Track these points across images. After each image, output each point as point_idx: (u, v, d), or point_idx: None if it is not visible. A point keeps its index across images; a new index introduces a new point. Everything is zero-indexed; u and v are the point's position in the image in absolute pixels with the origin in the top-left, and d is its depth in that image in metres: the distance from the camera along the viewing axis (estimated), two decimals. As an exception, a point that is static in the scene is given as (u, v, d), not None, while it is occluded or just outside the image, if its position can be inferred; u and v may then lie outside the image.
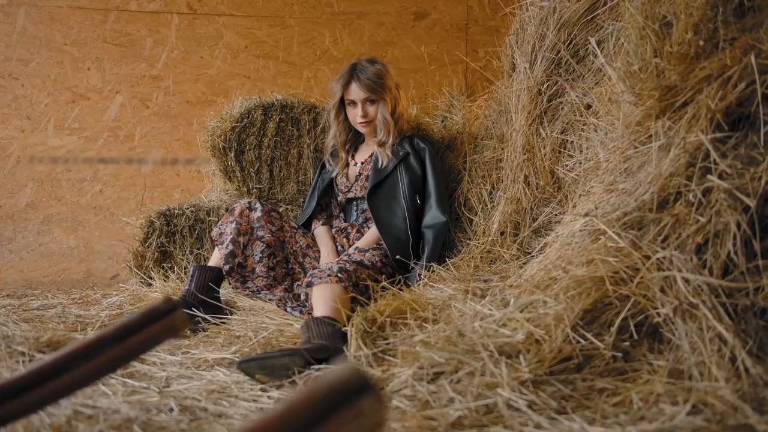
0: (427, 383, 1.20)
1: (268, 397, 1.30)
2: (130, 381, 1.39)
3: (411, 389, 1.19)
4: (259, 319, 1.91)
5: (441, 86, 3.23)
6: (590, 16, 2.12)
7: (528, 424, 1.03)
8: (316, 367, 1.41)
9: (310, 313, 1.88)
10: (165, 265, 2.52)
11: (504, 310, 1.44)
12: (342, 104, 2.35)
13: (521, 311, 1.43)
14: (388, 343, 1.45)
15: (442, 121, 2.93)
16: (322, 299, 1.75)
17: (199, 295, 1.98)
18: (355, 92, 2.28)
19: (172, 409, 1.19)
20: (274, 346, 1.68)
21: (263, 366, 1.36)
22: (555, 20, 2.18)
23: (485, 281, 1.97)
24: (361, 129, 2.35)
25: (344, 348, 1.50)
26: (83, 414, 1.08)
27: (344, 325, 1.62)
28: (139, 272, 2.50)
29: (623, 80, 1.77)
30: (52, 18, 3.12)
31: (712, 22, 1.57)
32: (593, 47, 1.92)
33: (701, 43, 1.54)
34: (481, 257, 2.16)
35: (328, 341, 1.49)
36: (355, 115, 2.31)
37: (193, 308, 1.94)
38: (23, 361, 1.44)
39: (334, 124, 2.39)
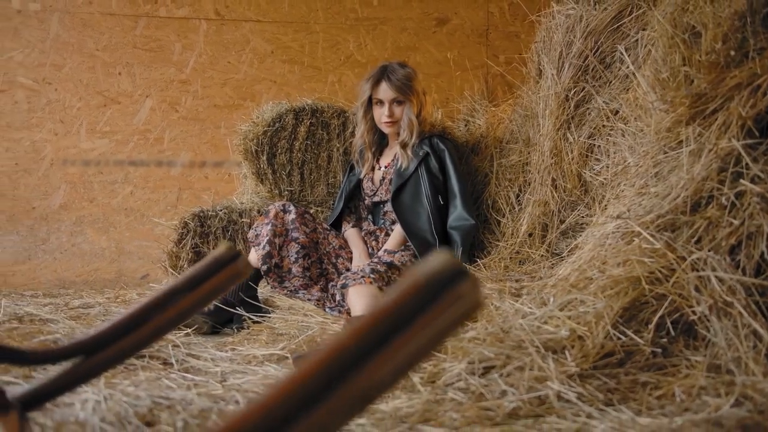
0: (478, 377, 1.26)
1: (323, 390, 1.37)
2: (189, 375, 1.46)
3: (464, 382, 1.25)
4: (299, 318, 1.98)
5: (462, 90, 3.30)
6: (616, 25, 2.18)
7: (580, 415, 1.10)
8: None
9: (348, 313, 1.95)
10: (199, 265, 2.59)
11: (544, 308, 1.51)
12: (370, 104, 2.42)
13: (561, 309, 1.50)
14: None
15: (466, 125, 3.00)
16: (360, 299, 1.83)
17: (241, 295, 2.05)
18: (384, 91, 2.35)
19: (237, 401, 1.26)
20: (320, 344, 1.75)
21: (317, 361, 1.42)
22: (582, 28, 2.24)
23: (516, 281, 2.04)
24: (385, 128, 2.42)
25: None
26: (161, 405, 1.15)
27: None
28: (174, 272, 2.57)
29: (653, 87, 1.83)
30: (84, 24, 3.20)
31: (740, 32, 1.64)
32: (623, 57, 1.98)
33: (732, 53, 1.60)
34: (510, 258, 2.23)
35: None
36: (381, 114, 2.38)
37: (235, 307, 2.01)
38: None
39: (361, 122, 2.46)
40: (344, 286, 1.88)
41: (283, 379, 0.44)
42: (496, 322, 1.51)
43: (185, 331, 1.91)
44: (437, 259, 0.50)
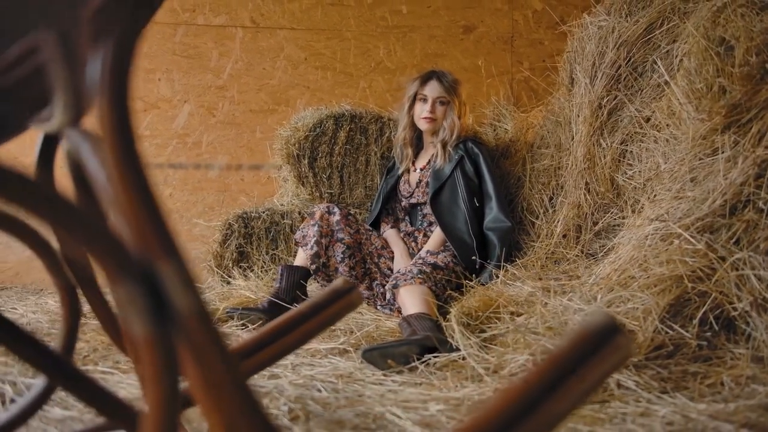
0: (540, 367, 1.38)
1: (392, 381, 1.48)
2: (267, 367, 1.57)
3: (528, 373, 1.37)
4: (352, 314, 2.10)
5: (488, 96, 3.42)
6: (648, 36, 2.29)
7: (640, 401, 1.21)
8: (429, 355, 1.59)
9: (400, 311, 2.06)
10: (242, 264, 2.71)
11: (593, 304, 1.62)
12: (414, 102, 2.53)
13: (608, 306, 1.61)
14: (490, 334, 1.63)
15: (494, 130, 3.11)
16: (413, 298, 1.93)
17: (299, 293, 2.17)
18: (431, 88, 2.47)
19: (319, 390, 1.37)
20: (375, 339, 1.86)
21: (385, 354, 1.54)
22: (614, 39, 2.35)
23: (554, 279, 2.15)
24: (423, 124, 2.52)
25: (447, 338, 1.68)
26: (259, 392, 1.27)
27: (437, 319, 1.81)
28: (219, 271, 2.69)
29: (688, 97, 1.94)
30: (125, 32, 3.31)
31: (773, 46, 1.75)
32: (658, 67, 2.09)
33: (767, 65, 1.71)
34: (546, 258, 2.34)
35: (432, 333, 1.68)
36: (422, 109, 2.50)
37: (286, 304, 2.13)
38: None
39: (405, 117, 2.57)
40: (395, 286, 1.99)
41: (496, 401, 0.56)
42: (548, 318, 1.63)
43: (247, 328, 2.03)
44: (599, 317, 0.62)
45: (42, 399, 0.86)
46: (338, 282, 1.10)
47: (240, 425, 0.46)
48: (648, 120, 2.24)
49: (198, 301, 0.47)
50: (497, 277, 2.18)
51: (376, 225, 2.62)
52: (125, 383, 1.39)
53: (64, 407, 1.21)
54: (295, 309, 1.07)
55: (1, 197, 0.42)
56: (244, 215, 2.73)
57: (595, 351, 0.60)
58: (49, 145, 0.92)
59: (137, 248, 0.47)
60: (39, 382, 0.86)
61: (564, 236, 2.39)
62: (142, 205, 0.46)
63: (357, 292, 1.09)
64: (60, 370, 0.74)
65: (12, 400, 1.24)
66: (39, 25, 0.49)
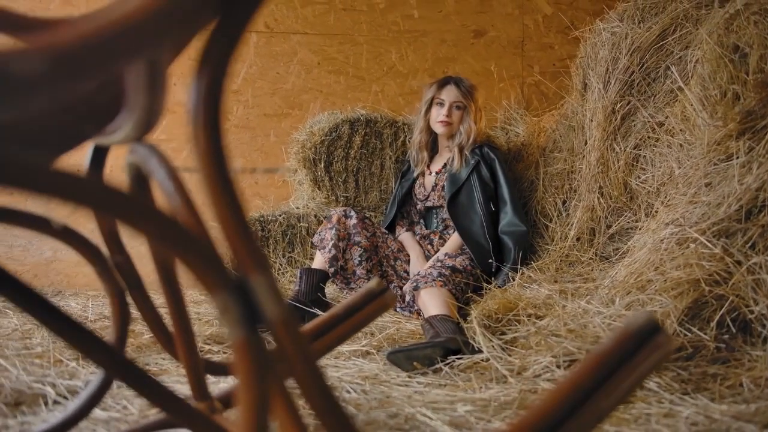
0: (563, 369, 1.42)
1: (417, 382, 1.52)
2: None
3: (551, 374, 1.41)
4: (371, 316, 2.14)
5: (500, 100, 3.46)
6: (660, 43, 2.33)
7: (663, 402, 1.25)
8: (453, 357, 1.63)
9: (419, 314, 2.10)
10: (259, 267, 2.75)
11: (611, 307, 1.66)
12: (430, 106, 2.57)
13: (626, 309, 1.65)
14: (511, 337, 1.67)
15: (506, 134, 3.15)
16: (434, 300, 1.97)
17: (320, 295, 2.21)
18: (448, 92, 2.52)
19: (348, 391, 1.41)
20: (396, 341, 1.90)
21: (410, 356, 1.58)
22: (627, 45, 2.39)
23: (570, 282, 2.19)
24: (439, 128, 2.56)
25: (469, 340, 1.72)
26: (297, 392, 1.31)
27: (458, 322, 1.85)
28: (237, 273, 2.73)
29: (702, 103, 1.98)
30: (141, 37, 3.35)
31: (786, 54, 1.79)
32: (673, 74, 2.13)
33: (781, 74, 1.75)
34: (561, 260, 2.38)
35: (455, 335, 1.72)
36: (438, 113, 2.54)
37: (306, 307, 2.17)
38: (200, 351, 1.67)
39: (421, 121, 2.61)
40: (416, 289, 2.03)
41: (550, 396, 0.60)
42: (567, 320, 1.67)
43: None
44: (640, 317, 0.66)
45: (101, 391, 0.90)
46: (372, 283, 1.13)
47: (325, 414, 0.51)
48: (661, 125, 2.28)
49: (285, 308, 0.52)
50: (513, 279, 2.22)
51: (391, 228, 2.66)
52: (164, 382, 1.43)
53: (103, 408, 1.25)
54: (330, 311, 1.11)
55: (103, 211, 0.46)
56: (261, 218, 2.78)
57: (637, 349, 0.64)
58: (99, 155, 0.96)
59: (231, 262, 0.51)
60: (97, 375, 0.91)
61: (578, 239, 2.43)
62: (236, 224, 0.50)
63: (390, 293, 1.13)
64: (118, 364, 0.78)
65: (55, 402, 1.28)
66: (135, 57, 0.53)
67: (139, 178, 0.79)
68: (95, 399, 0.89)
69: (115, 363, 0.78)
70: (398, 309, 2.23)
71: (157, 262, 0.93)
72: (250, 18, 0.50)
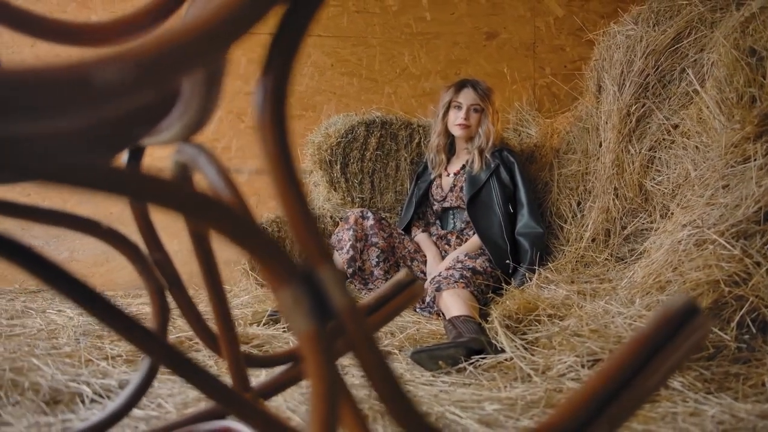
0: (587, 369, 1.44)
1: (442, 381, 1.55)
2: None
3: (575, 373, 1.43)
4: (390, 316, 2.16)
5: (512, 102, 3.48)
6: (675, 46, 2.35)
7: (687, 401, 1.27)
8: (476, 357, 1.66)
9: (439, 314, 2.13)
10: (276, 267, 2.78)
11: (631, 307, 1.69)
12: (448, 109, 2.60)
13: (647, 309, 1.67)
14: (533, 337, 1.70)
15: (519, 135, 3.17)
16: (456, 301, 1.99)
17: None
18: (466, 95, 2.54)
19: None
20: (418, 341, 1.93)
21: (433, 356, 1.60)
22: (642, 48, 2.41)
23: (587, 283, 2.21)
24: (456, 130, 2.59)
25: (491, 340, 1.74)
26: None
27: (480, 323, 1.87)
28: (254, 274, 2.76)
29: (718, 106, 2.00)
30: (156, 40, 3.38)
31: (803, 57, 1.81)
32: (690, 77, 2.15)
33: (799, 78, 1.77)
34: (576, 261, 2.41)
35: (478, 335, 1.74)
36: (456, 116, 2.57)
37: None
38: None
39: (439, 124, 2.64)
40: (438, 290, 2.05)
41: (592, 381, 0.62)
42: (588, 320, 1.69)
43: (283, 327, 2.09)
44: (679, 299, 0.68)
45: (149, 378, 0.93)
46: (400, 274, 1.16)
47: (392, 401, 0.54)
48: (676, 127, 2.30)
49: (351, 299, 0.54)
50: (529, 280, 2.24)
51: (407, 229, 2.69)
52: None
53: (139, 407, 1.28)
54: (361, 302, 1.13)
55: (180, 210, 0.49)
56: (278, 220, 2.81)
57: (677, 331, 0.66)
58: (136, 153, 0.99)
59: (299, 255, 0.54)
60: (143, 365, 0.94)
61: (593, 240, 2.45)
62: (303, 219, 0.53)
63: (419, 284, 1.15)
64: (165, 352, 0.80)
65: (92, 400, 1.31)
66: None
67: (185, 178, 0.81)
68: (144, 386, 0.92)
69: (165, 351, 0.81)
70: (418, 309, 2.25)
71: (200, 259, 0.96)
72: (318, 9, 0.52)
